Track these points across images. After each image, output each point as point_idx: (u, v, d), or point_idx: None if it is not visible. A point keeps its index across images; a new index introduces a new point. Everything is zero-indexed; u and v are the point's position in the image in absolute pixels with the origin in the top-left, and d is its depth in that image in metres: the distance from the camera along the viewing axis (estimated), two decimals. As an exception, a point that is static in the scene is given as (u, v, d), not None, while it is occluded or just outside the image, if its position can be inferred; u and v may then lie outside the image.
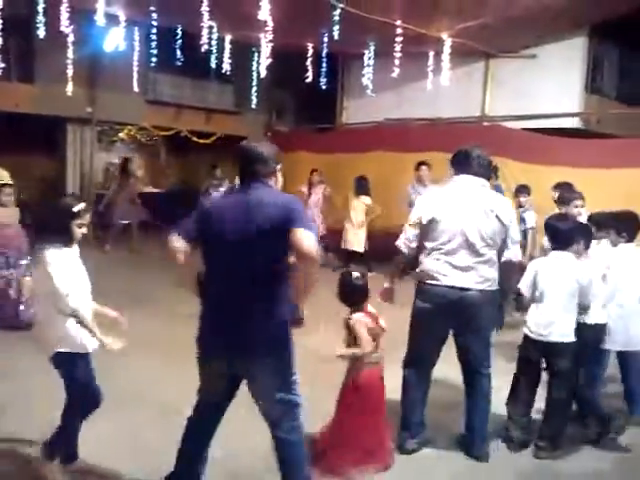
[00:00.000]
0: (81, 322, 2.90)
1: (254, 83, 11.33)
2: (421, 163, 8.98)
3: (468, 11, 7.97)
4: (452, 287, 3.33)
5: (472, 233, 3.31)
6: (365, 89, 10.03)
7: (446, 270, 3.34)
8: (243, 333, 2.58)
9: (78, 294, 2.92)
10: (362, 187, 9.09)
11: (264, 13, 7.06)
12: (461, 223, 3.31)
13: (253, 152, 2.75)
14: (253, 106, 11.72)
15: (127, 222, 10.29)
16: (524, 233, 7.44)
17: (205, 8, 7.58)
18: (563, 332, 3.56)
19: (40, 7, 7.96)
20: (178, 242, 2.69)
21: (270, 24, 7.56)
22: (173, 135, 12.34)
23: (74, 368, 2.97)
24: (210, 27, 8.47)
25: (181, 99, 11.99)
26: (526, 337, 3.69)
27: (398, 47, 8.60)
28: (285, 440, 2.70)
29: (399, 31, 8.35)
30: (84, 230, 3.03)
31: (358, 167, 9.92)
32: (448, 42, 8.83)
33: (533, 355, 3.68)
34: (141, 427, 3.68)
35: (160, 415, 3.81)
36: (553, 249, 3.71)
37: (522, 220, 7.67)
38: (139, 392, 4.16)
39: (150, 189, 13.67)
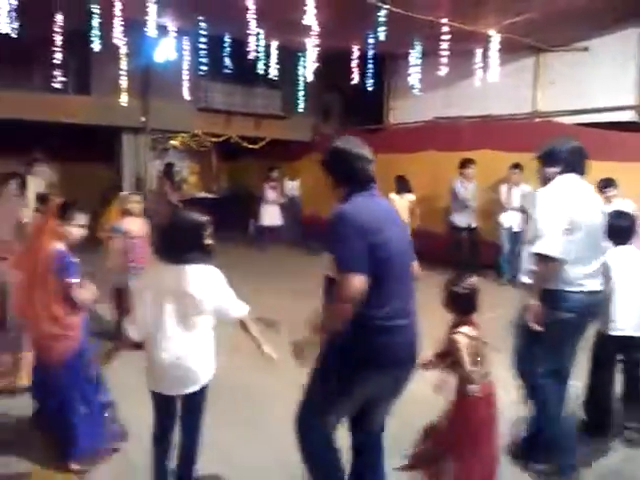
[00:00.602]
0: (248, 331, 2.94)
1: (301, 87, 11.43)
2: (467, 161, 8.90)
3: (516, 6, 7.81)
4: (591, 292, 3.24)
5: (600, 236, 3.35)
6: (412, 89, 9.96)
7: (584, 275, 3.22)
8: (416, 341, 2.64)
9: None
10: (404, 185, 9.31)
11: (309, 18, 7.13)
12: (595, 227, 3.28)
13: (367, 154, 2.72)
14: (300, 110, 11.82)
15: None
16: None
17: (252, 15, 7.72)
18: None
19: (95, 21, 8.29)
20: (360, 282, 2.38)
21: (315, 28, 7.61)
22: (224, 141, 12.59)
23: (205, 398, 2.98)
24: (257, 34, 8.61)
25: (231, 106, 12.21)
26: (601, 334, 3.74)
27: (445, 45, 8.51)
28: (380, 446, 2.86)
29: (445, 29, 8.26)
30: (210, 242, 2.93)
31: (407, 168, 9.88)
32: (496, 38, 8.67)
33: (610, 350, 3.74)
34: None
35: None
36: (617, 244, 3.75)
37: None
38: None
39: (203, 194, 14.02)
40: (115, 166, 11.90)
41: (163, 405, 2.92)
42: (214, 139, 12.65)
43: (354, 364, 2.52)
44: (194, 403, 2.92)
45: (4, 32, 7.35)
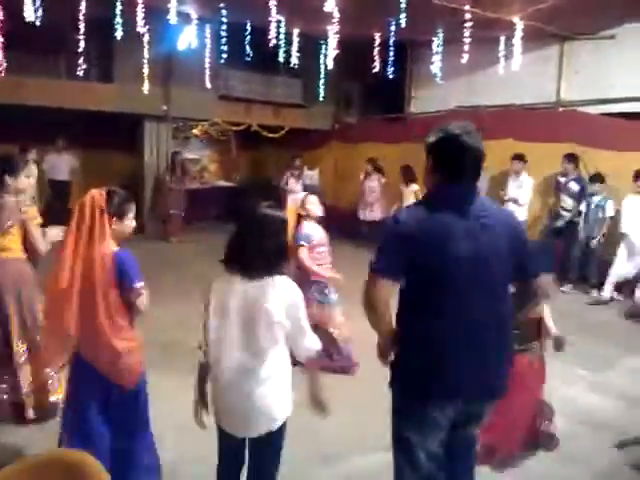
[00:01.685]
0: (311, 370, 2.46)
1: (321, 76, 11.40)
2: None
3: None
4: None
5: None
6: (434, 77, 9.87)
7: None
8: (490, 372, 2.28)
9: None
10: (410, 175, 9.66)
11: (330, 4, 7.10)
12: None
13: (478, 144, 2.31)
14: (320, 99, 11.80)
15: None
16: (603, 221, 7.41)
17: (273, 2, 7.71)
18: None
19: (118, 9, 8.35)
20: (385, 289, 2.24)
21: (336, 15, 7.58)
22: (244, 130, 12.62)
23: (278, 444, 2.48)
24: (278, 21, 8.59)
25: (251, 94, 12.21)
26: None
27: (468, 33, 8.42)
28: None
29: (468, 16, 8.17)
30: None
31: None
32: (520, 25, 8.55)
33: None
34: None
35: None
36: None
37: (602, 209, 7.57)
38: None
39: (223, 183, 14.11)
40: (136, 154, 12.00)
41: (226, 445, 2.52)
42: (234, 127, 12.70)
43: (399, 391, 2.33)
44: (261, 448, 2.45)
45: (30, 20, 7.42)
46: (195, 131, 13.44)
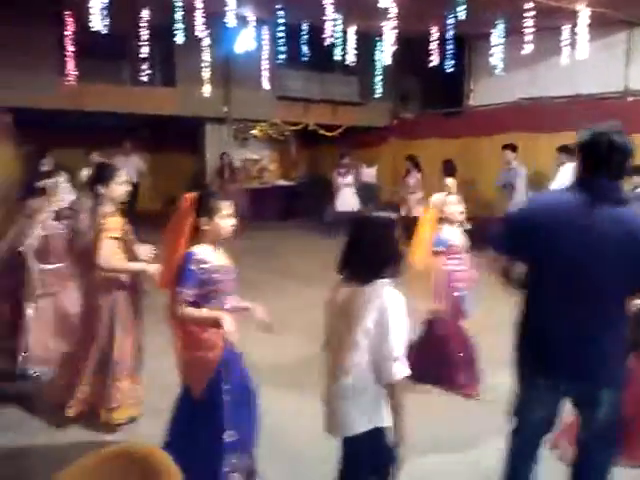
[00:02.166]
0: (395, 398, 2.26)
1: (378, 72, 11.33)
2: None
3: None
4: None
5: None
6: (494, 69, 9.65)
7: None
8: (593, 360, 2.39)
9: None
10: (450, 170, 9.44)
11: (387, 0, 7.06)
12: None
13: (625, 141, 2.24)
14: (377, 95, 11.74)
15: None
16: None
17: (330, 1, 7.73)
18: None
19: (178, 15, 8.58)
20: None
21: (393, 11, 7.53)
22: (302, 129, 12.72)
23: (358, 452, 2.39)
24: (334, 20, 8.61)
25: (309, 93, 12.29)
26: None
27: (529, 22, 8.18)
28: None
29: (530, 5, 7.93)
30: None
31: (489, 151, 9.62)
32: (585, 13, 8.23)
33: None
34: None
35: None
36: None
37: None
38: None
39: (282, 182, 14.25)
40: (198, 156, 12.30)
41: None
42: (292, 127, 12.81)
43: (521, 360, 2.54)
44: (347, 452, 2.44)
45: (96, 29, 7.74)
46: (254, 132, 13.63)
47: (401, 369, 2.19)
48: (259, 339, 3.20)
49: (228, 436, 2.74)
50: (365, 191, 11.95)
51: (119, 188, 3.63)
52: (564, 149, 8.54)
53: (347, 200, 11.25)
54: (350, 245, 2.33)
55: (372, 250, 2.27)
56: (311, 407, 2.84)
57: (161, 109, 10.69)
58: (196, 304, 2.70)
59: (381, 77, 11.45)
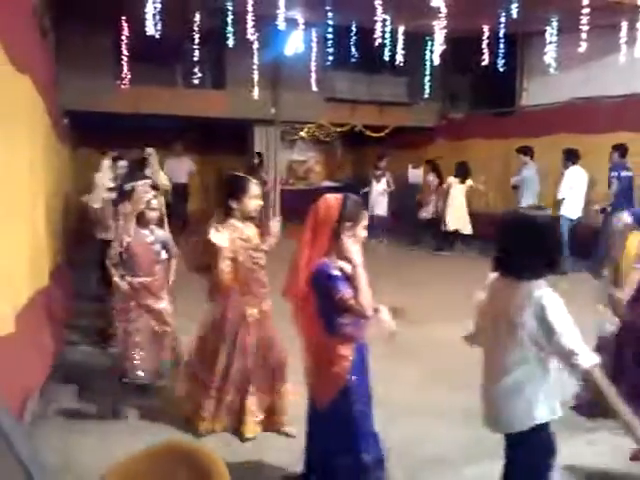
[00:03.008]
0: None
1: (427, 72, 11.22)
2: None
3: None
4: None
5: None
6: (547, 68, 9.40)
7: None
8: None
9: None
10: (464, 171, 10.18)
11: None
12: None
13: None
14: (426, 96, 11.62)
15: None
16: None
17: (378, 1, 7.69)
18: None
19: (229, 18, 8.72)
20: None
21: (444, 10, 7.44)
22: (348, 130, 12.71)
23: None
24: (384, 20, 8.56)
25: (356, 94, 12.27)
26: None
27: (585, 20, 7.93)
28: None
29: (586, 2, 7.68)
30: None
31: (541, 152, 9.37)
32: (645, 8, 7.92)
33: None
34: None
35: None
36: None
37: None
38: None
39: (327, 183, 14.29)
40: (246, 157, 12.45)
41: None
42: (339, 129, 12.82)
43: None
44: (513, 450, 2.46)
45: (150, 34, 7.94)
46: (302, 133, 13.72)
47: (587, 358, 2.11)
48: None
49: (364, 451, 2.68)
50: (411, 192, 11.86)
51: (252, 202, 3.42)
52: (569, 152, 8.57)
53: (379, 204, 11.11)
54: (510, 243, 2.31)
55: (535, 249, 2.24)
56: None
57: (211, 111, 10.87)
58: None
59: (430, 77, 11.33)
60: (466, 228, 10.28)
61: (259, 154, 11.74)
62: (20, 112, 3.82)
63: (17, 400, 3.12)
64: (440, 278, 8.14)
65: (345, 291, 2.52)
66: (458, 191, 10.25)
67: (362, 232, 2.66)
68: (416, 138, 12.98)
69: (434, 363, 4.77)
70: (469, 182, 10.23)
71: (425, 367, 4.69)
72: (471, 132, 11.70)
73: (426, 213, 10.92)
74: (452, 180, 10.31)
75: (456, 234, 10.38)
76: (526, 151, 9.32)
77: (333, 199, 2.63)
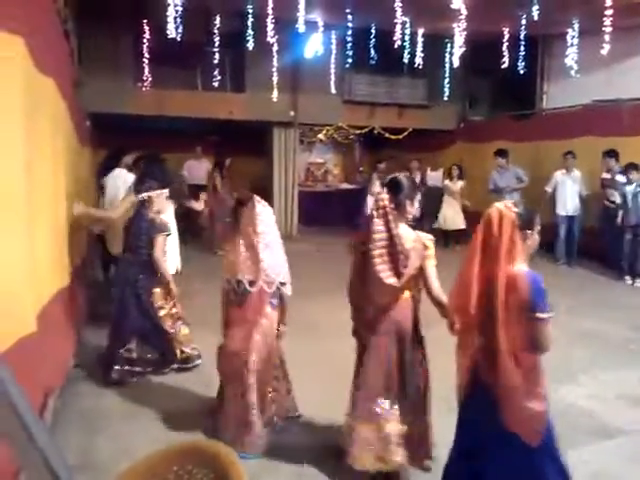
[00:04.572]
0: None
1: (446, 74, 11.17)
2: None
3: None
4: None
5: None
6: (569, 70, 9.30)
7: None
8: None
9: None
10: (459, 173, 10.61)
11: (458, 1, 6.95)
12: None
13: None
14: (445, 98, 11.56)
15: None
16: None
17: (398, 4, 7.69)
18: None
19: (249, 22, 8.77)
20: None
21: (464, 12, 7.40)
22: (367, 132, 12.71)
23: None
24: (403, 22, 8.55)
25: (375, 97, 12.26)
26: None
27: (608, 22, 7.83)
28: None
29: (608, 4, 7.59)
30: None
31: (562, 155, 9.27)
32: (670, 9, 7.82)
33: None
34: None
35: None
36: None
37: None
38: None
39: (345, 185, 14.30)
40: (264, 160, 12.50)
41: None
42: (358, 131, 12.82)
43: None
44: None
45: (171, 37, 8.02)
46: (320, 136, 13.75)
47: None
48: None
49: None
50: (431, 194, 11.80)
51: (536, 238, 2.61)
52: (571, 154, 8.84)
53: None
54: None
55: None
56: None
57: (231, 114, 10.93)
58: None
59: (449, 79, 11.28)
60: (461, 224, 10.51)
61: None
62: (44, 115, 3.87)
63: (39, 398, 3.16)
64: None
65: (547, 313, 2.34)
66: (454, 191, 10.60)
67: (537, 238, 2.55)
68: (435, 140, 12.93)
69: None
70: (461, 183, 10.59)
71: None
72: (491, 135, 11.61)
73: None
74: (447, 182, 10.69)
75: (450, 233, 10.63)
76: (502, 154, 9.69)
77: (506, 207, 2.44)
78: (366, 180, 14.53)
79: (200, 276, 7.01)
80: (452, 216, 10.57)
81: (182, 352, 4.55)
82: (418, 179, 11.27)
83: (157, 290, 4.44)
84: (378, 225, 2.78)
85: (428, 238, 2.94)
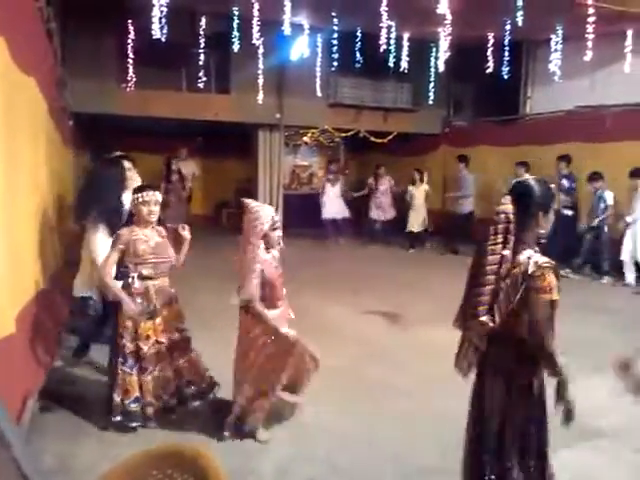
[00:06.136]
0: None
1: (431, 79, 11.23)
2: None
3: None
4: None
5: None
6: (552, 76, 9.41)
7: None
8: None
9: None
10: (420, 177, 11.02)
11: (443, 6, 6.99)
12: None
13: None
14: (430, 102, 11.62)
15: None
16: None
17: (384, 8, 7.71)
18: None
19: (235, 23, 8.75)
20: None
21: (449, 17, 7.45)
22: (352, 136, 12.73)
23: None
24: (389, 27, 8.58)
25: (360, 100, 12.28)
26: None
27: (590, 28, 7.94)
28: None
29: (591, 11, 7.69)
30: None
31: (546, 160, 9.36)
32: (650, 17, 7.93)
33: None
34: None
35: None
36: None
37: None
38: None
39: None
40: (249, 162, 12.46)
41: None
42: (343, 134, 12.83)
43: None
44: None
45: (156, 38, 7.96)
46: (305, 138, 13.74)
47: None
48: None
49: None
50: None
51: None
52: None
53: (334, 207, 11.48)
54: None
55: None
56: None
57: (216, 115, 10.88)
58: None
59: (434, 84, 11.34)
60: (428, 226, 11.11)
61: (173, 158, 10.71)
62: (24, 114, 3.82)
63: (17, 401, 3.11)
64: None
65: None
66: (418, 195, 10.98)
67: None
68: (420, 144, 12.99)
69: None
70: (426, 186, 11.03)
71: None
72: (476, 139, 11.69)
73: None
74: (410, 187, 11.06)
75: (419, 234, 11.06)
76: (462, 159, 10.56)
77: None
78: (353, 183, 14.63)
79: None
80: (417, 219, 10.98)
81: None
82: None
83: None
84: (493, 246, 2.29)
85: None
